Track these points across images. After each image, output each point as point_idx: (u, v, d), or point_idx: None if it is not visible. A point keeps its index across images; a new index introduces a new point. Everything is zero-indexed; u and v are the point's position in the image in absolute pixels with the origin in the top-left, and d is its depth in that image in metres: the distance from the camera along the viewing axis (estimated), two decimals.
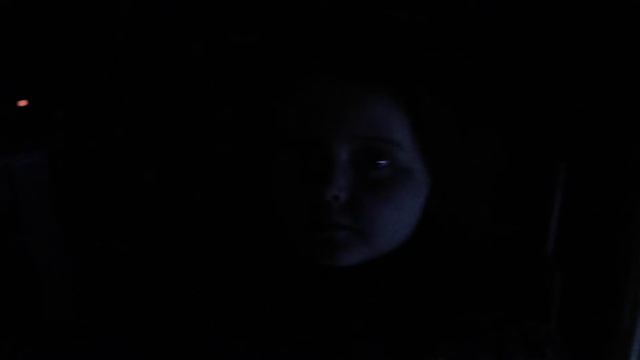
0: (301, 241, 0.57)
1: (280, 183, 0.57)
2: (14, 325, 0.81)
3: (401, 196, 0.55)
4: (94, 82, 0.92)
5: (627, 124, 0.70)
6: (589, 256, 0.74)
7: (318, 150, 0.54)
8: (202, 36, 0.87)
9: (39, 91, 0.94)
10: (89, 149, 0.92)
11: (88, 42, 0.91)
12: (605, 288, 0.73)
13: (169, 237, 0.87)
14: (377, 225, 0.55)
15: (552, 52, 0.73)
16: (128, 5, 0.90)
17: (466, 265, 0.61)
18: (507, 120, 0.72)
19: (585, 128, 0.73)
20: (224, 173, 0.85)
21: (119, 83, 0.92)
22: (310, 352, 0.57)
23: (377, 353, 0.57)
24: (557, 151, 0.74)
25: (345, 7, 0.60)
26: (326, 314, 0.58)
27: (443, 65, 0.58)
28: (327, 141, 0.53)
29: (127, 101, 0.92)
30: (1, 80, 0.91)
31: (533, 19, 0.72)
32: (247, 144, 0.77)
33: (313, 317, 0.58)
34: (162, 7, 0.89)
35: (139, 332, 0.66)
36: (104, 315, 0.82)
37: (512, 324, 0.58)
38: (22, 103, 0.93)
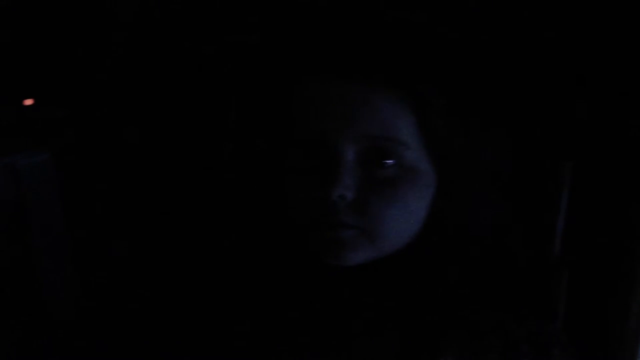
0: (307, 240, 0.57)
1: (286, 183, 0.57)
2: (14, 325, 0.81)
3: (407, 196, 0.55)
4: (100, 81, 0.92)
5: (635, 123, 0.70)
6: (596, 256, 0.73)
7: (324, 150, 0.54)
8: (208, 36, 0.87)
9: (44, 90, 0.94)
10: (96, 148, 0.93)
11: (94, 42, 0.92)
12: (612, 288, 0.72)
13: (175, 236, 0.87)
14: (383, 225, 0.55)
15: (557, 50, 0.72)
16: (132, 6, 0.90)
17: (472, 265, 0.61)
18: (513, 120, 0.72)
19: (591, 127, 0.73)
20: (231, 173, 0.85)
21: (125, 83, 0.92)
22: (315, 351, 0.57)
23: (383, 352, 0.57)
24: (563, 150, 0.74)
25: (352, 7, 0.60)
26: (332, 313, 0.58)
27: (449, 64, 0.58)
28: (333, 141, 0.53)
29: (133, 101, 0.92)
30: (7, 79, 0.92)
31: (539, 18, 0.72)
32: (253, 143, 0.77)
33: (318, 316, 0.58)
34: (166, 7, 0.89)
35: (140, 332, 0.66)
36: (106, 315, 0.83)
37: (518, 324, 0.58)
38: (28, 102, 0.94)
